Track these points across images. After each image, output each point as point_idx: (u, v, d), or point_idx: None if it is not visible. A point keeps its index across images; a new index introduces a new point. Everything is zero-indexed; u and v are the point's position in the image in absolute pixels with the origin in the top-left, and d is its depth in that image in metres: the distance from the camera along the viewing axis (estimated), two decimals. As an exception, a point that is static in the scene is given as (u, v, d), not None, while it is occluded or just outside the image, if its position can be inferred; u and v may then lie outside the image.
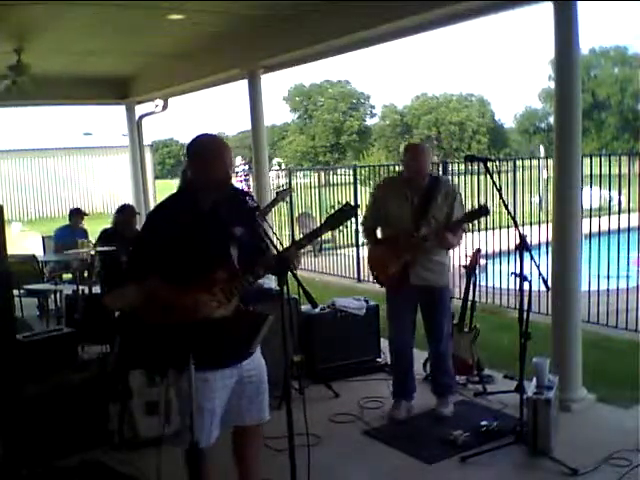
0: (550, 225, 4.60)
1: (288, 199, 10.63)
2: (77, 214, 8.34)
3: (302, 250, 2.76)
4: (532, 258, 3.68)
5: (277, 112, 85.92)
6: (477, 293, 5.16)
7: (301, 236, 2.89)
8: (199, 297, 2.60)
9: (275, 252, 2.65)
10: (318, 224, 2.82)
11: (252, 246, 2.74)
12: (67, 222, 8.36)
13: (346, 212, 2.71)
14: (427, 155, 4.33)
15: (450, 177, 8.18)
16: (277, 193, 5.72)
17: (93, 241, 7.13)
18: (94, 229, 7.73)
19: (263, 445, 3.19)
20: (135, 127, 10.63)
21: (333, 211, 2.74)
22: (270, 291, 4.70)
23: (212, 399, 2.72)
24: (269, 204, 5.52)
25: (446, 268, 4.35)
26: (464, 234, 4.60)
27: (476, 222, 8.13)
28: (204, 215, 2.72)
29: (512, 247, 4.14)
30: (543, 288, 3.91)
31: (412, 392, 4.56)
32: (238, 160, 18.18)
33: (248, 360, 2.82)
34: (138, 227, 5.69)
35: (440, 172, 8.17)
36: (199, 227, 2.68)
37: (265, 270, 2.71)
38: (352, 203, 2.76)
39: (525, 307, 3.73)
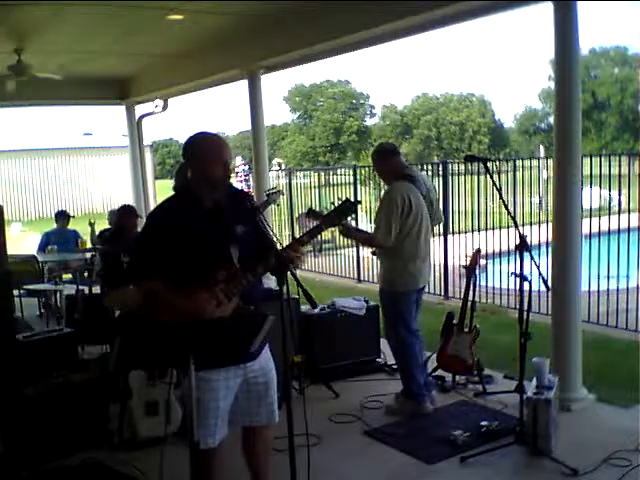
0: (550, 225, 4.60)
1: (288, 200, 10.64)
2: (63, 216, 8.45)
3: (305, 249, 2.74)
4: (532, 258, 3.67)
5: (277, 112, 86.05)
6: (477, 293, 5.15)
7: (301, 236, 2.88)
8: (199, 297, 2.58)
9: (275, 251, 2.64)
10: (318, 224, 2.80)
11: (254, 245, 2.72)
12: (55, 225, 8.49)
13: (347, 207, 2.70)
14: (376, 158, 4.50)
15: (450, 177, 8.17)
16: (267, 195, 5.56)
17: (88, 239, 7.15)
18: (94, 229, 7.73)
19: (272, 447, 3.10)
20: (135, 127, 10.64)
21: (333, 207, 2.72)
22: (270, 291, 4.68)
23: (216, 399, 2.71)
24: (260, 206, 5.43)
25: (388, 271, 4.38)
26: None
27: (475, 221, 8.20)
28: (206, 214, 2.71)
29: (512, 247, 4.14)
30: (543, 288, 3.91)
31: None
32: (238, 160, 18.12)
33: (253, 361, 2.80)
34: (139, 228, 5.66)
35: (440, 172, 8.16)
36: (201, 226, 2.67)
37: (265, 269, 2.70)
38: (352, 199, 2.76)
39: (525, 307, 3.73)
